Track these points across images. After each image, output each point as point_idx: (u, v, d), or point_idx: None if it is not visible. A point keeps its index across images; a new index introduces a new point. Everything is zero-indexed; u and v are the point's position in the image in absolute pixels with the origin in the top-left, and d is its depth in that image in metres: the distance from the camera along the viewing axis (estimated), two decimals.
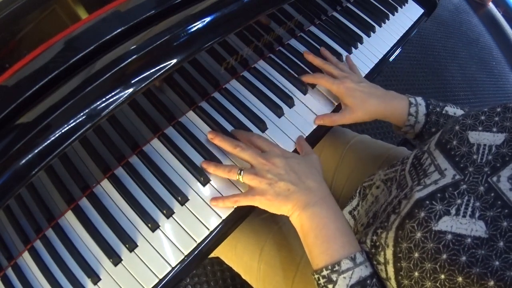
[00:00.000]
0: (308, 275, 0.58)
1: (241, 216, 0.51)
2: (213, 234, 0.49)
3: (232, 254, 0.65)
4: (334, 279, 0.43)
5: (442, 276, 0.36)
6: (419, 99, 0.62)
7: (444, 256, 0.36)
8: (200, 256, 0.48)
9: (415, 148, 0.59)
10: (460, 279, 0.34)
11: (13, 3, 0.42)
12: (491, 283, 0.32)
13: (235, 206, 0.50)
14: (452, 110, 0.62)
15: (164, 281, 0.45)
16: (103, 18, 0.42)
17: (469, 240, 0.35)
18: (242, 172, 0.48)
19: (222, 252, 0.67)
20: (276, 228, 0.63)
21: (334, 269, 0.43)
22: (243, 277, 0.67)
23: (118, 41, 0.42)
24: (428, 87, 2.17)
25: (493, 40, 3.31)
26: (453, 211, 0.37)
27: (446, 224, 0.37)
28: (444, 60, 2.45)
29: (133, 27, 0.43)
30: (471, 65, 2.69)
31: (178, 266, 0.46)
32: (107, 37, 0.41)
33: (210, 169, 0.51)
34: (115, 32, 0.42)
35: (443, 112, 0.61)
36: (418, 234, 0.38)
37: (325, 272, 0.43)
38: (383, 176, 0.59)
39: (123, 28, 0.42)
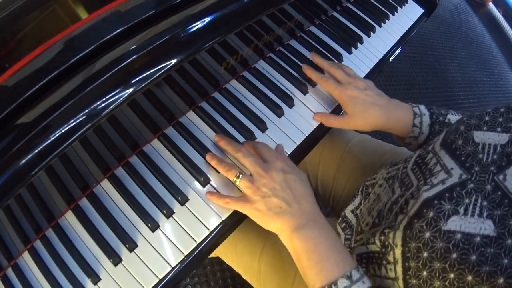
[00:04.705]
0: None
1: (241, 217, 0.51)
2: (213, 234, 0.49)
3: (233, 254, 0.65)
4: None
5: (452, 275, 0.36)
6: (422, 108, 0.60)
7: (454, 255, 0.36)
8: (200, 256, 0.48)
9: (416, 148, 0.59)
10: (469, 278, 0.35)
11: (13, 3, 0.42)
12: (501, 280, 0.33)
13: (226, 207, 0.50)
14: (455, 118, 0.61)
15: (164, 281, 0.45)
16: (103, 18, 0.42)
17: (478, 238, 0.35)
18: (240, 176, 0.48)
19: (222, 252, 0.67)
20: None
21: None
22: (243, 277, 0.67)
23: (118, 41, 0.42)
24: (428, 87, 2.17)
25: (493, 40, 3.31)
26: (461, 211, 0.38)
27: (455, 223, 0.37)
28: (444, 60, 2.45)
29: (133, 27, 0.43)
30: (471, 65, 2.69)
31: (178, 266, 0.46)
32: (107, 37, 0.41)
33: (213, 162, 0.51)
34: (115, 32, 0.42)
35: (446, 121, 0.60)
36: (427, 234, 0.38)
37: None
38: (385, 174, 0.59)
39: (123, 28, 0.42)
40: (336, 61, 0.68)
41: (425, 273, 0.38)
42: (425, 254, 0.38)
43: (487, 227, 0.35)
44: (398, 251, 0.43)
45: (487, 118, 0.44)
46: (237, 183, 0.48)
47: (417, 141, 0.61)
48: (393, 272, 0.44)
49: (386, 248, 0.45)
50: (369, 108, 0.58)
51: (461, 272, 0.35)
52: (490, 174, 0.39)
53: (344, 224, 0.61)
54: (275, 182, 0.47)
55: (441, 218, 0.38)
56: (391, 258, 0.44)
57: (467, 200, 0.38)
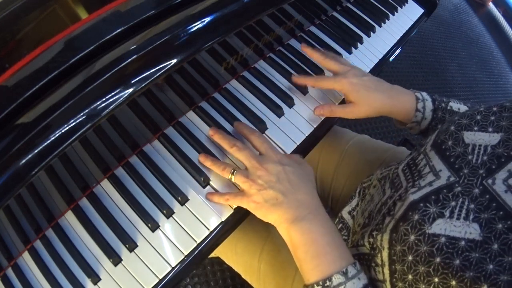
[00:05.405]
0: None
1: (241, 216, 0.51)
2: (213, 234, 0.49)
3: (232, 254, 0.65)
4: None
5: (436, 280, 0.35)
6: (425, 94, 0.60)
7: (438, 260, 0.35)
8: (200, 256, 0.48)
9: (414, 148, 0.59)
10: (453, 282, 0.34)
11: (13, 3, 0.42)
12: (485, 287, 0.32)
13: (228, 204, 0.50)
14: (456, 105, 0.61)
15: (164, 281, 0.45)
16: (103, 18, 0.42)
17: (463, 243, 0.34)
18: (235, 172, 0.48)
19: (222, 252, 0.67)
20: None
21: (326, 284, 0.42)
22: (243, 277, 0.67)
23: (118, 41, 0.42)
24: (428, 87, 2.17)
25: (493, 40, 3.31)
26: (447, 214, 0.37)
27: (440, 227, 0.37)
28: (444, 60, 2.45)
29: (133, 27, 0.43)
30: (471, 65, 2.69)
31: (178, 266, 0.46)
32: (107, 37, 0.41)
33: (207, 163, 0.51)
34: (115, 32, 0.42)
35: (448, 107, 0.60)
36: (412, 237, 0.38)
37: None
38: (379, 175, 0.59)
39: (123, 28, 0.42)
40: (327, 52, 0.67)
41: (410, 276, 0.38)
42: (410, 257, 0.38)
43: (472, 231, 0.35)
44: (385, 254, 0.43)
45: (478, 117, 0.43)
46: (233, 179, 0.48)
47: (419, 126, 0.60)
48: (381, 275, 0.44)
49: (374, 250, 0.45)
50: (372, 93, 0.57)
51: (445, 276, 0.35)
52: (479, 177, 0.38)
53: (340, 225, 0.61)
54: (271, 174, 0.47)
55: (426, 221, 0.38)
56: (379, 261, 0.44)
57: (453, 203, 0.37)
